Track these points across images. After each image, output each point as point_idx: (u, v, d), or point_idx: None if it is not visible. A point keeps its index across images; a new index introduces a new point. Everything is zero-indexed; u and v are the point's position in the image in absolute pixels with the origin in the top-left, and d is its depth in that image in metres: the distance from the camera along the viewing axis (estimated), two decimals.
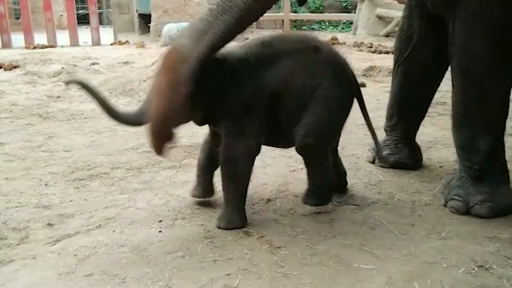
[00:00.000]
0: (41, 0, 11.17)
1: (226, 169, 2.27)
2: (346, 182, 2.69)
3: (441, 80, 2.94)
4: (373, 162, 3.14)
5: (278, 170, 3.06)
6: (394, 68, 2.99)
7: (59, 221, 2.42)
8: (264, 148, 3.31)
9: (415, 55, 2.83)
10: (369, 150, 3.23)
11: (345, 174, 2.69)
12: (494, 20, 2.25)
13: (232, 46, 2.35)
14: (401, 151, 3.03)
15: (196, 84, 2.02)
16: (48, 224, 2.39)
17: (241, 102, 2.18)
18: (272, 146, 2.55)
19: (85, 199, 2.69)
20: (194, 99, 2.06)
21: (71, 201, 2.67)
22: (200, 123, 2.38)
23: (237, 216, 2.27)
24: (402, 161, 3.02)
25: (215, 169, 2.48)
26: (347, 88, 2.26)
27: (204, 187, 2.54)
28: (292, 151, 3.40)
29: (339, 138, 2.56)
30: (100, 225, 2.36)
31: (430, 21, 2.69)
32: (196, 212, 2.46)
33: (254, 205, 2.54)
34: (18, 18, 12.80)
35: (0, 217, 2.44)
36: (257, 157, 2.96)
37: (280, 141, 2.42)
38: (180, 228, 2.29)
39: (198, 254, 2.03)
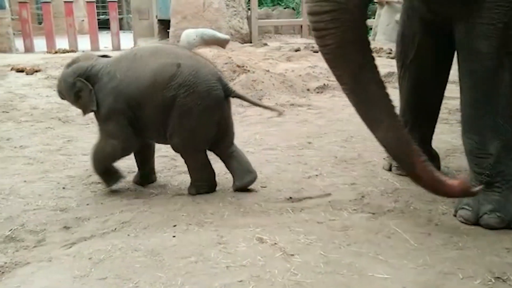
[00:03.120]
0: (63, 5, 11.37)
1: (92, 159, 2.84)
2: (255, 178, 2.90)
3: (447, 80, 2.91)
4: (389, 169, 3.11)
5: (293, 176, 3.05)
6: (400, 73, 2.95)
7: (76, 224, 2.45)
8: (280, 154, 3.30)
9: (421, 57, 2.78)
10: (384, 158, 3.19)
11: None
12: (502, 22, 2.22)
13: (112, 57, 2.86)
14: None
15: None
16: (65, 227, 2.42)
17: (106, 109, 2.72)
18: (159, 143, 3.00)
19: (101, 203, 2.72)
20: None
21: (87, 204, 2.70)
22: None
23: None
24: None
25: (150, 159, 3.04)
26: (205, 97, 2.62)
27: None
28: (308, 157, 3.41)
29: (231, 138, 2.87)
30: (115, 228, 2.38)
31: (432, 22, 2.64)
32: (209, 217, 2.47)
33: (267, 211, 2.53)
34: (40, 23, 13.04)
35: (18, 219, 2.48)
36: (272, 163, 3.00)
37: (158, 140, 2.91)
38: (193, 233, 2.30)
39: (211, 260, 2.03)
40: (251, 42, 12.05)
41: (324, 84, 6.08)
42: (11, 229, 2.35)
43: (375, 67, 2.15)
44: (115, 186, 2.89)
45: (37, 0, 15.74)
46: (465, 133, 2.45)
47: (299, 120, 4.58)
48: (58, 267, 1.99)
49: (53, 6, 11.28)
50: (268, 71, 6.07)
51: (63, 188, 2.93)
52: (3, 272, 1.94)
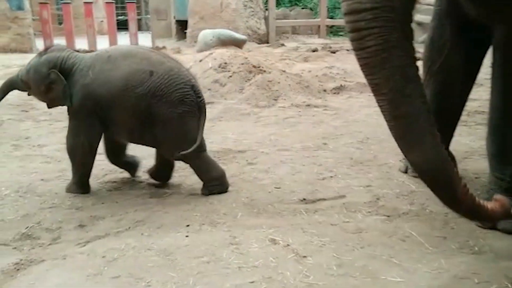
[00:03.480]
0: (83, 6, 11.53)
1: (70, 158, 2.89)
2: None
3: (472, 87, 2.85)
4: (405, 172, 3.07)
5: (307, 177, 3.04)
6: (425, 78, 2.90)
7: (91, 222, 2.48)
8: (294, 155, 3.28)
9: (449, 63, 2.74)
10: (400, 160, 3.15)
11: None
12: None
13: (86, 54, 2.87)
14: None
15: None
16: (80, 225, 2.44)
17: (76, 105, 2.73)
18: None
19: (116, 202, 2.74)
20: None
21: (102, 203, 2.73)
22: None
23: (75, 187, 2.85)
24: None
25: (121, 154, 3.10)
26: (178, 106, 2.64)
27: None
28: (323, 159, 3.39)
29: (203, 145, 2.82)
30: (129, 227, 2.40)
31: (464, 28, 2.61)
32: (222, 218, 2.47)
33: (280, 212, 2.53)
34: (61, 24, 13.23)
35: (35, 217, 2.52)
36: (286, 164, 2.97)
37: (132, 141, 2.94)
38: (206, 233, 2.30)
39: (223, 260, 2.03)
40: (268, 43, 12.06)
41: (341, 85, 6.05)
42: (28, 227, 2.39)
43: (419, 77, 1.84)
44: (129, 188, 2.92)
45: (57, 1, 15.98)
46: (490, 136, 2.40)
47: (314, 121, 4.56)
48: (72, 265, 2.01)
49: (73, 7, 11.46)
50: (284, 71, 6.05)
51: None
52: (18, 269, 1.97)
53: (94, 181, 3.06)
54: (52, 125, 4.48)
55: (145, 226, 2.41)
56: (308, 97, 5.45)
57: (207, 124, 4.42)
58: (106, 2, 11.71)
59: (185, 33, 11.63)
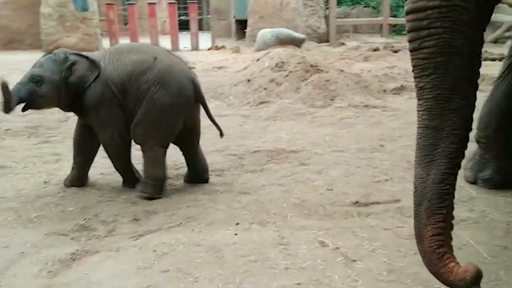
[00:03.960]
0: (147, 7, 11.92)
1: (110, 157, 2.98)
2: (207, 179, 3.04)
3: None
4: (474, 182, 2.84)
5: (361, 180, 2.97)
6: (503, 72, 2.73)
7: (144, 216, 2.54)
8: (349, 157, 3.20)
9: None
10: (468, 169, 2.87)
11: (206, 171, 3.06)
12: None
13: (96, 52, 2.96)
14: (503, 165, 2.76)
15: None
16: (134, 219, 2.52)
17: (97, 99, 2.76)
18: None
19: (170, 197, 2.80)
20: None
21: (157, 198, 2.79)
22: None
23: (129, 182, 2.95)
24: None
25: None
26: (174, 96, 2.70)
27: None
28: (378, 161, 3.29)
29: (197, 139, 3.00)
30: (180, 223, 2.44)
31: None
32: (272, 217, 2.46)
33: (331, 214, 2.48)
34: (126, 24, 13.74)
35: (93, 209, 2.62)
36: (340, 165, 2.90)
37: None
38: (255, 232, 2.30)
39: (270, 260, 2.02)
40: (328, 42, 11.92)
41: (402, 85, 5.87)
42: (85, 219, 2.49)
43: (472, 97, 1.59)
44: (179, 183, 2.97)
45: (123, 1, 16.61)
46: None
47: (372, 122, 4.45)
48: (124, 257, 2.08)
49: (137, 7, 11.87)
50: (342, 71, 5.95)
51: None
52: (74, 259, 2.06)
53: None
54: None
55: (196, 222, 2.44)
56: (366, 97, 5.33)
57: (261, 124, 4.48)
58: (169, 3, 12.04)
59: (245, 32, 11.73)
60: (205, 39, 12.48)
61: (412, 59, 1.64)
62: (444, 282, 1.53)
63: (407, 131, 4.04)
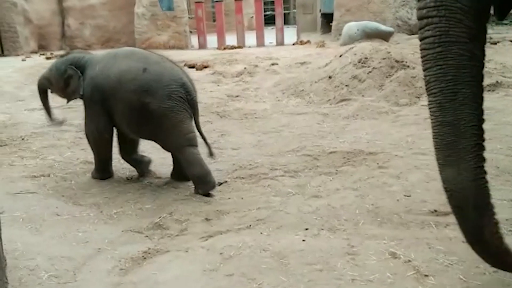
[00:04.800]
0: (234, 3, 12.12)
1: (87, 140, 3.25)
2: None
3: None
4: None
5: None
6: None
7: (216, 217, 2.58)
8: (431, 160, 3.02)
9: None
10: None
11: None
12: None
13: (99, 55, 3.21)
14: None
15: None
16: (206, 219, 2.57)
17: (87, 96, 3.07)
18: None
19: (242, 198, 2.82)
20: None
21: (229, 198, 2.83)
22: None
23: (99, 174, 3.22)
24: None
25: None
26: (165, 101, 2.83)
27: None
28: None
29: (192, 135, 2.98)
30: (250, 225, 2.45)
31: None
32: (343, 224, 2.38)
33: (406, 223, 2.35)
34: (215, 21, 14.09)
35: (168, 208, 2.71)
36: (421, 170, 2.89)
37: (129, 134, 3.15)
38: (324, 239, 2.24)
39: (336, 270, 1.96)
40: None
41: (497, 82, 5.42)
42: (160, 217, 2.58)
43: (478, 85, 1.54)
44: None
45: None
46: None
47: None
48: (192, 258, 2.12)
49: (225, 4, 12.10)
50: None
51: None
52: (145, 258, 2.14)
53: (224, 175, 3.19)
54: None
55: (265, 225, 2.43)
56: None
57: (340, 122, 4.38)
58: None
59: (330, 26, 11.51)
60: (291, 34, 12.45)
61: (420, 50, 1.59)
62: None
63: (499, 133, 3.73)
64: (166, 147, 3.06)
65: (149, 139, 3.13)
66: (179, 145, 2.93)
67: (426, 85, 1.59)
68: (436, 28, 1.49)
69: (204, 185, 2.89)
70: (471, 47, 1.50)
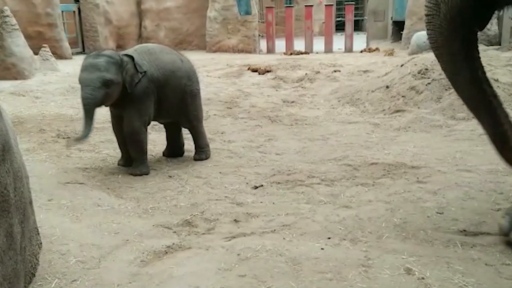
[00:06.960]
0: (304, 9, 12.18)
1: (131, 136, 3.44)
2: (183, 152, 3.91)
3: None
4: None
5: (479, 206, 2.67)
6: None
7: (244, 219, 2.67)
8: (475, 178, 3.14)
9: None
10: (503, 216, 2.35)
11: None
12: None
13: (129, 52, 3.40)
14: None
15: None
16: (235, 220, 2.66)
17: (140, 91, 3.34)
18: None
19: (273, 203, 2.88)
20: None
21: (261, 202, 2.90)
22: None
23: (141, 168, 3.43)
24: None
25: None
26: (198, 83, 3.73)
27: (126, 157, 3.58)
28: (509, 186, 2.93)
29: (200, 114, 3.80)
30: (274, 230, 2.50)
31: None
32: (366, 236, 2.38)
33: (432, 241, 2.30)
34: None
35: (200, 207, 2.83)
36: (461, 187, 2.93)
37: (175, 119, 3.71)
38: (343, 249, 2.25)
39: (346, 281, 1.97)
40: (500, 45, 10.77)
41: None
42: (192, 215, 2.70)
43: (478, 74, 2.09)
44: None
45: (285, 3, 17.17)
46: None
47: None
48: (210, 256, 2.21)
49: (296, 9, 12.19)
50: (497, 80, 5.36)
51: (247, 183, 3.20)
52: (167, 252, 2.25)
53: (262, 179, 3.27)
54: (246, 123, 4.91)
55: (289, 231, 2.48)
56: None
57: (390, 134, 4.31)
58: (326, 5, 12.12)
59: (401, 34, 11.23)
60: (360, 41, 12.29)
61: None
62: None
63: None
64: (187, 124, 3.68)
65: (174, 119, 3.67)
66: (200, 119, 3.72)
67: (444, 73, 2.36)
68: (430, 38, 2.17)
69: (206, 153, 3.75)
70: (455, 46, 2.08)
